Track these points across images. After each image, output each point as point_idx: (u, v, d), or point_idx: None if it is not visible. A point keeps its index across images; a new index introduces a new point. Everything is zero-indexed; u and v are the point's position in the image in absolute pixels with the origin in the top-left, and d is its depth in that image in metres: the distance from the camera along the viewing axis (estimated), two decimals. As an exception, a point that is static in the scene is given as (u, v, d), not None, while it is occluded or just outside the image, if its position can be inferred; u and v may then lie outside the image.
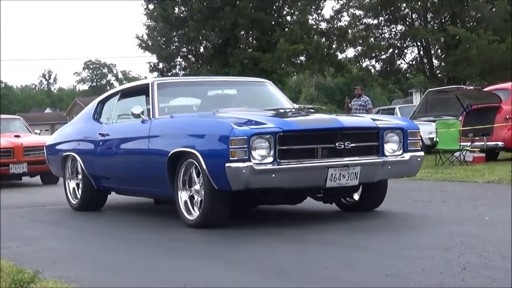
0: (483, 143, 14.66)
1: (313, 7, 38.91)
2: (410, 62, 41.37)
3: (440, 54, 41.31)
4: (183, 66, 39.47)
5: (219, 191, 6.42)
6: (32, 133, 15.42)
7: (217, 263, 5.63)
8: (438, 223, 6.87)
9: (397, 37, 41.89)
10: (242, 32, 37.57)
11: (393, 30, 42.16)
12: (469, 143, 14.80)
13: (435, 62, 41.96)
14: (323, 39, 38.82)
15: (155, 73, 39.65)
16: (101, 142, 8.46)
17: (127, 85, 9.31)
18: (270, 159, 6.16)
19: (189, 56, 39.23)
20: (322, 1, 39.74)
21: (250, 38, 38.59)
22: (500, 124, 14.32)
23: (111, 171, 8.49)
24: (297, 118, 6.92)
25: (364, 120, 7.19)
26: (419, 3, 40.20)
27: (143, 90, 8.18)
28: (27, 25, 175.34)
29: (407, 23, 40.94)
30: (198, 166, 6.55)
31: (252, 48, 36.88)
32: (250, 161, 6.04)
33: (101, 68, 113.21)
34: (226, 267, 5.36)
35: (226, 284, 4.72)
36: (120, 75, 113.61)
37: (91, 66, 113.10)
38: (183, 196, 6.93)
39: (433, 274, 4.49)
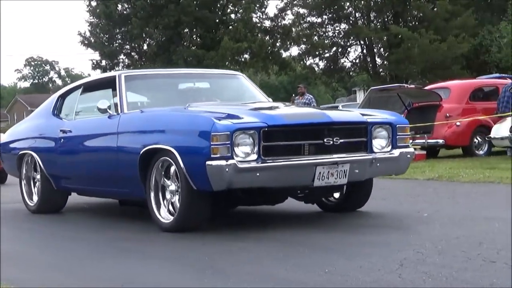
0: (424, 140, 15.04)
1: (257, 5, 39.55)
2: (354, 61, 42.34)
3: (383, 52, 42.28)
4: (126, 63, 39.71)
5: (198, 191, 5.83)
6: None
7: (156, 262, 5.30)
8: (378, 220, 6.90)
9: (340, 36, 42.74)
10: (186, 30, 38.07)
11: (336, 28, 42.98)
12: (410, 141, 14.99)
13: (378, 60, 42.96)
14: (267, 37, 39.56)
15: (98, 70, 39.84)
16: (62, 139, 7.69)
17: (90, 78, 8.80)
18: (254, 157, 5.60)
19: (133, 53, 39.71)
20: (266, 0, 40.62)
21: (194, 36, 38.95)
22: (440, 122, 14.70)
23: (73, 171, 7.73)
24: (283, 112, 6.37)
25: (352, 114, 6.76)
26: (362, 2, 41.04)
27: (108, 83, 7.54)
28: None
29: (351, 22, 41.80)
30: (174, 165, 5.95)
31: (196, 46, 37.20)
32: (233, 158, 5.48)
33: (43, 65, 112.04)
34: (162, 266, 5.19)
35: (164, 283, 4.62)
36: (62, 72, 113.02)
37: (32, 63, 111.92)
38: (156, 197, 6.27)
39: (371, 270, 4.50)
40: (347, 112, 6.82)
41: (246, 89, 8.12)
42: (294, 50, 43.05)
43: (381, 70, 41.72)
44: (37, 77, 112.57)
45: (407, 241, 5.54)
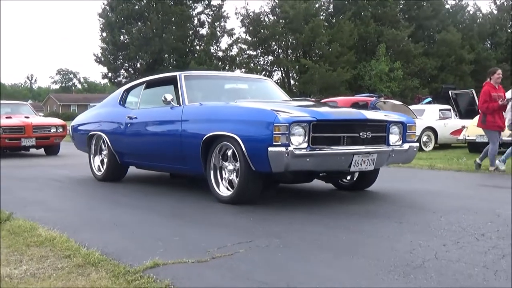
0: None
1: (214, 41, 41.82)
2: (276, 81, 43.49)
3: (295, 76, 43.71)
4: (125, 76, 40.24)
5: (255, 171, 5.12)
6: (37, 115, 14.42)
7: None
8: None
9: (268, 64, 44.00)
10: (166, 55, 39.18)
11: (265, 59, 44.20)
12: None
13: (292, 82, 44.34)
14: (220, 63, 40.80)
15: (106, 80, 41.63)
16: (129, 124, 6.98)
17: (152, 77, 7.68)
18: (305, 145, 4.95)
19: (130, 69, 40.36)
20: (220, 37, 42.88)
21: (171, 60, 39.94)
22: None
23: (137, 149, 6.93)
24: (328, 110, 5.60)
25: (378, 114, 5.93)
26: (283, 42, 42.85)
27: (169, 81, 6.83)
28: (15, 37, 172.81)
29: (275, 55, 43.27)
30: (234, 149, 5.24)
31: (172, 66, 38.00)
32: (289, 146, 4.84)
33: (68, 74, 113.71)
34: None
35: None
36: (82, 80, 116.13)
37: (61, 72, 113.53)
38: (215, 175, 5.56)
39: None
40: (374, 112, 5.92)
41: (274, 91, 7.40)
42: (237, 73, 45.99)
43: (294, 88, 42.65)
44: (64, 82, 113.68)
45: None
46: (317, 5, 42.85)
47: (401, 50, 42.16)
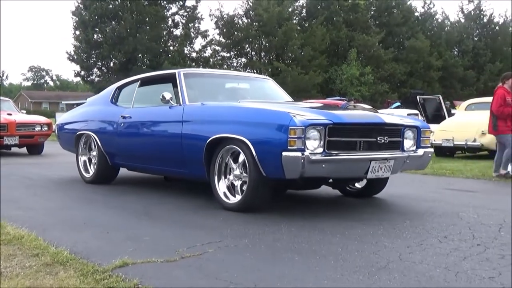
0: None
1: (188, 42, 41.75)
2: None
3: None
4: (98, 74, 39.83)
5: (264, 177, 4.68)
6: (19, 112, 13.41)
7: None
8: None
9: (241, 66, 43.72)
10: (140, 55, 38.65)
11: (239, 61, 44.19)
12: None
13: None
14: (194, 64, 40.45)
15: (78, 78, 41.01)
16: (122, 124, 6.46)
17: (147, 74, 7.16)
18: (320, 150, 4.51)
19: (103, 68, 39.78)
20: (194, 38, 42.84)
21: (145, 59, 39.46)
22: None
23: (131, 150, 6.43)
24: (344, 112, 5.04)
25: (394, 117, 5.48)
26: (257, 45, 42.67)
27: (166, 79, 6.35)
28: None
29: (248, 57, 43.26)
30: (243, 153, 4.78)
31: (146, 66, 37.59)
32: (305, 151, 4.41)
33: (41, 71, 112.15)
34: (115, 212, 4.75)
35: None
36: (54, 77, 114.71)
37: (33, 69, 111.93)
38: (219, 180, 5.12)
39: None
40: (391, 116, 5.47)
41: (276, 91, 6.91)
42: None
43: (266, 90, 44.07)
44: (36, 79, 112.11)
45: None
46: (290, 9, 43.16)
47: (372, 55, 42.72)
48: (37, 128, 12.23)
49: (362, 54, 43.08)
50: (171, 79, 6.15)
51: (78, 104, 32.44)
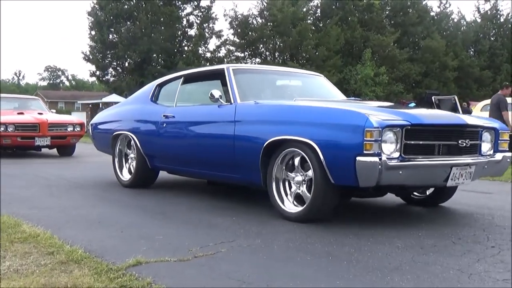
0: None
1: (202, 42, 41.97)
2: None
3: None
4: (113, 74, 39.80)
5: (333, 185, 4.16)
6: (49, 112, 12.82)
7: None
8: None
9: None
10: (154, 55, 38.58)
11: (253, 61, 43.54)
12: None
13: None
14: (208, 64, 39.74)
15: (93, 78, 41.28)
16: (164, 124, 5.96)
17: (191, 70, 6.54)
18: (396, 154, 4.00)
19: (118, 68, 39.73)
20: (208, 39, 42.96)
21: (159, 59, 39.41)
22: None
23: (174, 152, 5.92)
24: (421, 112, 4.48)
25: (473, 118, 4.89)
26: (271, 45, 42.77)
27: (213, 75, 5.93)
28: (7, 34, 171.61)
29: (262, 57, 43.00)
30: (307, 157, 4.26)
31: (160, 66, 37.63)
32: (382, 155, 3.89)
33: (56, 71, 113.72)
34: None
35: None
36: (70, 77, 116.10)
37: (49, 69, 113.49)
38: (277, 187, 4.60)
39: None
40: (469, 116, 4.88)
41: (329, 88, 6.33)
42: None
43: (280, 90, 43.89)
44: (52, 79, 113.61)
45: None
46: (304, 9, 43.04)
47: (387, 56, 42.45)
48: (70, 129, 11.75)
49: (377, 54, 42.84)
50: (218, 76, 5.73)
51: (93, 104, 32.34)
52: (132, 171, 6.57)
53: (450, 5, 55.51)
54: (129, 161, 6.70)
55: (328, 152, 4.09)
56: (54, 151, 12.34)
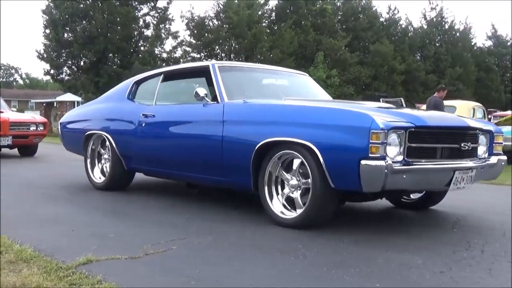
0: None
1: (158, 43, 41.41)
2: None
3: None
4: (68, 73, 38.74)
5: (332, 189, 3.90)
6: (10, 110, 12.02)
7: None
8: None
9: None
10: (110, 55, 37.82)
11: None
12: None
13: None
14: (164, 64, 39.06)
15: (48, 77, 40.12)
16: (144, 123, 5.55)
17: (173, 67, 6.23)
18: (400, 158, 3.75)
19: (73, 67, 38.73)
20: (165, 39, 42.39)
21: (116, 59, 38.54)
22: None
23: (153, 153, 5.50)
24: (424, 114, 4.39)
25: (472, 121, 4.70)
26: (226, 47, 42.75)
27: (197, 73, 5.64)
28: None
29: (218, 58, 41.32)
30: (304, 160, 3.98)
31: (116, 66, 37.10)
32: (386, 159, 3.63)
33: (10, 69, 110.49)
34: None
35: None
36: (23, 75, 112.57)
37: (2, 67, 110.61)
38: (270, 191, 4.30)
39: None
40: (467, 119, 4.65)
41: (315, 88, 6.05)
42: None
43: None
44: (5, 77, 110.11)
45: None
46: (260, 13, 43.20)
47: (338, 59, 43.10)
48: (32, 128, 11.02)
49: (329, 57, 43.40)
50: (202, 73, 5.42)
51: (47, 103, 31.36)
52: (106, 172, 6.16)
53: (398, 11, 56.88)
54: (103, 162, 6.28)
55: (328, 155, 3.81)
56: (15, 151, 11.73)
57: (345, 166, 3.71)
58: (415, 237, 3.97)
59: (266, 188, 4.29)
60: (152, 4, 41.73)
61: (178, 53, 42.08)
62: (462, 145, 4.15)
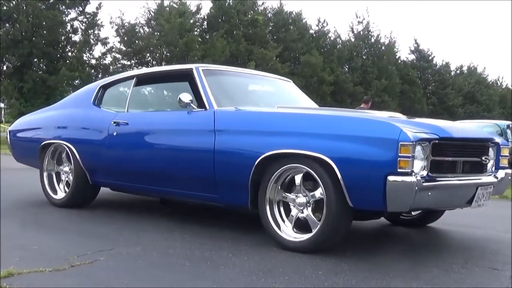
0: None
1: (87, 49, 40.55)
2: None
3: None
4: None
5: (349, 208, 3.45)
6: None
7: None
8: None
9: None
10: (35, 60, 36.21)
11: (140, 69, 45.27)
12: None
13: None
14: (93, 71, 38.71)
15: None
16: (115, 132, 4.93)
17: (147, 70, 5.97)
18: (424, 172, 3.35)
19: None
20: (94, 45, 41.34)
21: (41, 64, 36.97)
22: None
23: (126, 166, 4.87)
24: (446, 124, 3.88)
25: (483, 132, 4.32)
26: (157, 55, 42.19)
27: (178, 76, 5.09)
28: None
29: (149, 66, 41.02)
30: (318, 175, 3.50)
31: (42, 71, 35.57)
32: (413, 174, 3.22)
33: None
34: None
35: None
36: None
37: None
38: (271, 210, 3.82)
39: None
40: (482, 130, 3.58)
41: (300, 95, 5.62)
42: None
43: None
44: None
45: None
46: (192, 21, 43.09)
47: (269, 69, 43.37)
48: None
49: (260, 67, 43.64)
50: (183, 77, 4.91)
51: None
52: (66, 188, 5.49)
53: (327, 24, 58.25)
54: (63, 176, 5.58)
55: (348, 169, 3.34)
56: None
57: (368, 183, 3.28)
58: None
59: (268, 207, 3.81)
60: (81, 9, 40.60)
61: (108, 59, 41.03)
62: (483, 158, 3.84)
